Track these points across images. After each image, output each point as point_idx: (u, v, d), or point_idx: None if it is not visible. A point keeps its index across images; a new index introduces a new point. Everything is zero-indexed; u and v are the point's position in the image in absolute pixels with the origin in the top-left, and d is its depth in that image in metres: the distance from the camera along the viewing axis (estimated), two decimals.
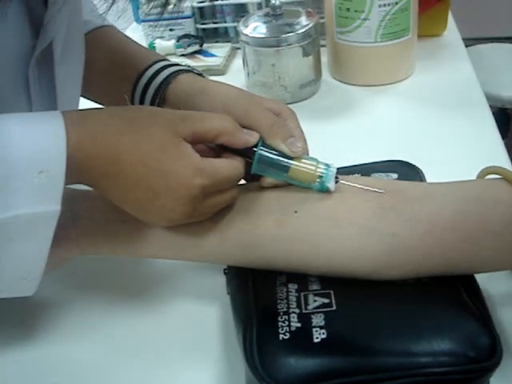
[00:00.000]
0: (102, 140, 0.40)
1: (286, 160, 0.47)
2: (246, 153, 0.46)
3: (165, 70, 0.54)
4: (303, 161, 0.47)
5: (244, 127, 0.48)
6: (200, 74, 0.56)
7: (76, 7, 0.52)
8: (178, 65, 0.56)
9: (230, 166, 0.45)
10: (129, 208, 0.44)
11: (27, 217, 0.38)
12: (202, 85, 0.53)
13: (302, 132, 0.49)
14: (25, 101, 0.47)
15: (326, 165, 0.47)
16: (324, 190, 0.47)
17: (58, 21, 0.47)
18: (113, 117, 0.42)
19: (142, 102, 0.55)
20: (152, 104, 0.55)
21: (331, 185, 0.46)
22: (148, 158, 0.41)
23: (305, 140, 0.49)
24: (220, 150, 0.46)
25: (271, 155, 0.47)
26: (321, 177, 0.46)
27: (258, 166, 0.47)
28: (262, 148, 0.47)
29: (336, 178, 0.46)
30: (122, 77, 0.57)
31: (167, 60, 0.57)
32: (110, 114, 0.43)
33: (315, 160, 0.47)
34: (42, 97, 0.48)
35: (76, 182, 0.41)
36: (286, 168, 0.47)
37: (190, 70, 0.56)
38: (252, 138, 0.46)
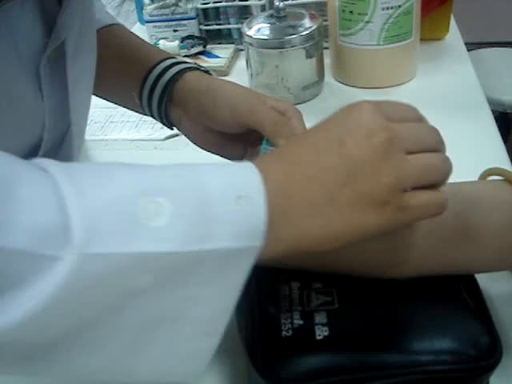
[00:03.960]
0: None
1: None
2: None
3: (172, 68, 0.55)
4: None
5: (248, 125, 0.49)
6: (207, 72, 0.56)
7: (88, 5, 0.52)
8: (185, 62, 0.56)
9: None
10: None
11: (225, 252, 0.30)
12: (208, 83, 0.53)
13: (307, 130, 0.50)
14: (38, 97, 0.48)
15: None
16: None
17: (71, 20, 0.47)
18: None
19: (150, 100, 0.55)
20: (160, 102, 0.55)
21: None
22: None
23: None
24: None
25: None
26: None
27: None
28: (265, 146, 0.47)
29: None
30: (130, 75, 0.57)
31: (175, 58, 0.57)
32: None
33: None
34: (53, 94, 0.48)
35: None
36: None
37: (197, 68, 0.56)
38: None
